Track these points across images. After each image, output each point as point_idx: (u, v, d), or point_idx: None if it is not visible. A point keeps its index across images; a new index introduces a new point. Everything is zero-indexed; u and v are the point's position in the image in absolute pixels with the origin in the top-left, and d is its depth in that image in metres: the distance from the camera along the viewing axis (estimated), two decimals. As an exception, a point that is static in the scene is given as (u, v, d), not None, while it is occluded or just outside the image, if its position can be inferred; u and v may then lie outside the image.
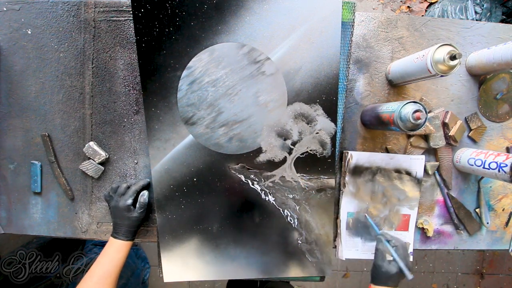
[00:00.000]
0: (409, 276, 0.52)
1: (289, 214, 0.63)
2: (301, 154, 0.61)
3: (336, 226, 0.66)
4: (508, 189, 0.69)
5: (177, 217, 0.61)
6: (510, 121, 0.67)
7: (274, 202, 0.62)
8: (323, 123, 0.60)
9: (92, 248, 1.18)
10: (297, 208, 0.62)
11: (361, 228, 0.65)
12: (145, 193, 0.61)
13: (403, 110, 0.50)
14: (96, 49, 0.63)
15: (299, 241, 0.63)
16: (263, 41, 0.57)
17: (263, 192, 0.62)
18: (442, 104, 0.66)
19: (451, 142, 0.65)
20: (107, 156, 0.64)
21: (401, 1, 1.66)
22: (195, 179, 0.60)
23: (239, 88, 0.58)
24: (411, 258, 0.66)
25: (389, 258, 0.54)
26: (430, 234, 0.67)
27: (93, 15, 0.62)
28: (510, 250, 0.66)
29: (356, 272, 1.62)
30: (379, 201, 0.65)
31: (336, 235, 0.66)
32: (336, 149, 0.62)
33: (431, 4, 1.58)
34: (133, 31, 0.59)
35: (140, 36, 0.56)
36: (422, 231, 0.69)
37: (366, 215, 0.64)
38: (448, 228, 0.69)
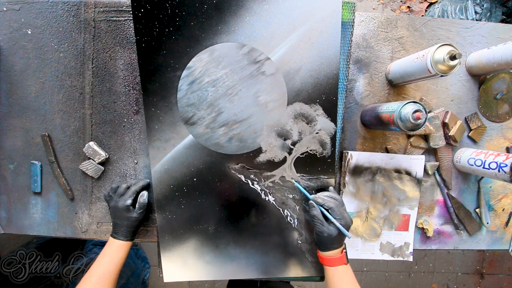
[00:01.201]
0: (348, 235, 0.51)
1: (289, 214, 0.63)
2: (301, 154, 0.61)
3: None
4: (508, 189, 0.69)
5: (177, 217, 0.61)
6: (510, 121, 0.67)
7: (274, 202, 0.62)
8: (323, 123, 0.60)
9: (92, 248, 1.18)
10: (297, 208, 0.62)
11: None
12: (144, 194, 0.61)
13: (403, 110, 0.50)
14: (96, 49, 0.63)
15: (299, 241, 0.63)
16: (263, 41, 0.57)
17: (263, 192, 0.62)
18: (442, 104, 0.66)
19: (451, 142, 0.65)
20: (107, 156, 0.64)
21: (401, 1, 1.66)
22: (195, 179, 0.60)
23: (239, 88, 0.58)
24: (411, 258, 0.66)
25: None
26: (430, 234, 0.67)
27: (93, 15, 0.62)
28: (510, 250, 0.66)
29: (356, 272, 1.62)
30: (379, 201, 0.65)
31: (336, 235, 0.66)
32: (336, 149, 0.62)
33: (431, 4, 1.58)
34: (133, 31, 0.59)
35: (140, 36, 0.56)
36: (422, 231, 0.69)
37: (294, 181, 0.61)
38: (448, 228, 0.69)
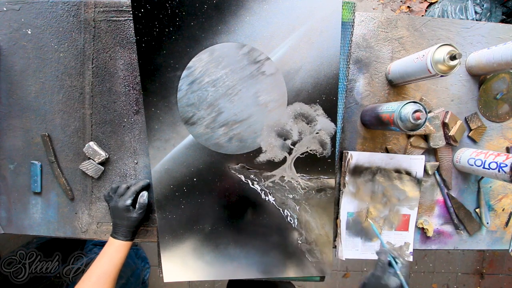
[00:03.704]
0: None
1: (289, 214, 0.63)
2: (301, 154, 0.61)
3: (336, 226, 0.66)
4: (508, 189, 0.69)
5: (177, 217, 0.61)
6: (510, 121, 0.67)
7: (274, 202, 0.62)
8: (323, 123, 0.60)
9: (92, 248, 1.17)
10: (297, 208, 0.62)
11: (360, 229, 0.65)
12: (144, 194, 0.61)
13: (403, 110, 0.50)
14: (96, 49, 0.63)
15: (299, 241, 0.63)
16: (263, 41, 0.57)
17: (263, 192, 0.62)
18: (442, 104, 0.66)
19: (451, 142, 0.65)
20: (107, 156, 0.64)
21: (401, 1, 1.66)
22: (195, 179, 0.60)
23: (239, 88, 0.58)
24: (410, 258, 0.66)
25: (390, 270, 0.51)
26: (430, 234, 0.67)
27: (93, 15, 0.62)
28: (510, 250, 0.66)
29: (356, 272, 1.62)
30: (379, 201, 0.65)
31: (336, 235, 0.66)
32: (336, 149, 0.62)
33: (431, 4, 1.58)
34: (133, 31, 0.59)
35: (140, 36, 0.56)
36: (422, 231, 0.69)
37: (371, 221, 0.63)
38: (448, 228, 0.69)
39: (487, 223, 0.68)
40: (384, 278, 0.50)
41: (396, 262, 0.52)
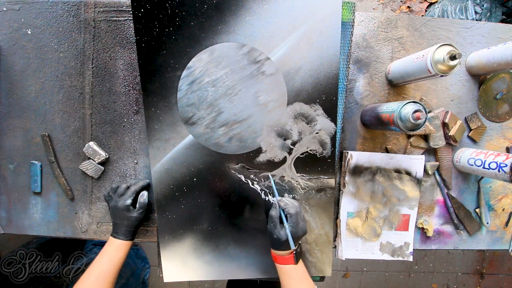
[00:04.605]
0: (292, 246, 0.51)
1: (289, 214, 0.62)
2: (301, 154, 0.61)
3: (336, 226, 0.66)
4: (508, 189, 0.69)
5: (177, 217, 0.61)
6: (510, 121, 0.67)
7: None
8: (323, 123, 0.60)
9: (92, 248, 1.18)
10: (297, 208, 0.62)
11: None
12: (144, 194, 0.61)
13: (403, 110, 0.50)
14: (96, 49, 0.63)
15: (299, 241, 0.63)
16: (263, 41, 0.57)
17: (263, 192, 0.62)
18: (442, 104, 0.66)
19: (451, 142, 0.65)
20: (107, 156, 0.64)
21: (401, 1, 1.66)
22: (195, 179, 0.61)
23: (239, 88, 0.58)
24: (411, 258, 0.66)
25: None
26: (430, 234, 0.67)
27: (93, 15, 0.62)
28: (510, 250, 0.66)
29: (356, 272, 1.62)
30: (379, 201, 0.65)
31: (336, 235, 0.66)
32: (336, 149, 0.62)
33: (431, 4, 1.58)
34: (133, 31, 0.59)
35: (140, 36, 0.56)
36: (422, 231, 0.69)
37: (270, 175, 0.61)
38: (448, 228, 0.69)
39: (487, 223, 0.68)
40: (275, 233, 0.53)
41: (286, 214, 0.54)
